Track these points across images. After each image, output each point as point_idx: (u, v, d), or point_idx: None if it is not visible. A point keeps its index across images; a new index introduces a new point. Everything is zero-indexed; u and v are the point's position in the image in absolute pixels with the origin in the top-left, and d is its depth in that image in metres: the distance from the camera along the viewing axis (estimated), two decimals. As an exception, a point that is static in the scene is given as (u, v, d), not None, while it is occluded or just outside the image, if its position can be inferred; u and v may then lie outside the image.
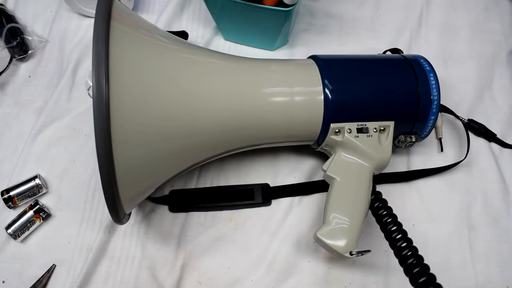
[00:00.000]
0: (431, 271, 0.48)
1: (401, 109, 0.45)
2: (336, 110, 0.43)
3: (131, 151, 0.33)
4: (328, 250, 0.44)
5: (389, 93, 0.45)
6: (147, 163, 0.36)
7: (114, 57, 0.32)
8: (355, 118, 0.44)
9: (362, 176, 0.44)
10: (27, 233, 0.48)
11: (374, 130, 0.44)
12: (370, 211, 0.44)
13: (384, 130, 0.45)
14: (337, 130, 0.44)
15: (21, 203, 0.50)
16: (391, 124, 0.45)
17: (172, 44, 0.40)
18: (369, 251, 0.42)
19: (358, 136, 0.44)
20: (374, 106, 0.44)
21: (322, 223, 0.43)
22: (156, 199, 0.51)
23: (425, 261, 0.49)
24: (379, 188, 0.51)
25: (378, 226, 0.50)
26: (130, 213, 0.43)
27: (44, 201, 0.51)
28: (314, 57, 0.47)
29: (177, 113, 0.37)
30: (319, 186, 0.52)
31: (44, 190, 0.50)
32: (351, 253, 0.42)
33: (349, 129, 0.44)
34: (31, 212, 0.48)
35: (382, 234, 0.50)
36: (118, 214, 0.36)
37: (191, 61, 0.40)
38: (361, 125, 0.44)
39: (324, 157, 0.50)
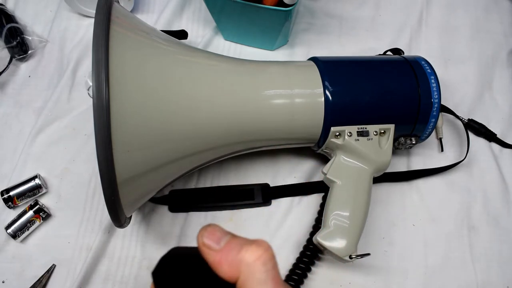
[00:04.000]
0: (431, 271, 0.49)
1: (402, 112, 0.45)
2: (336, 112, 0.43)
3: (132, 157, 0.33)
4: (328, 254, 0.44)
5: (389, 96, 0.45)
6: (148, 168, 0.36)
7: (114, 62, 0.32)
8: (355, 121, 0.44)
9: (362, 179, 0.44)
10: (27, 233, 0.48)
11: (375, 133, 0.44)
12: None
13: (384, 133, 0.45)
14: (337, 133, 0.44)
15: (21, 203, 0.50)
16: (391, 127, 0.45)
17: (171, 47, 0.40)
18: (368, 254, 0.42)
19: (358, 140, 0.44)
20: (374, 109, 0.44)
21: (322, 227, 0.43)
22: (156, 199, 0.51)
23: (425, 261, 0.49)
24: (379, 187, 0.52)
25: (377, 226, 0.50)
26: (131, 216, 0.42)
27: (44, 201, 0.51)
28: (314, 59, 0.46)
29: (177, 116, 0.37)
30: (320, 186, 0.51)
31: (44, 190, 0.50)
32: (350, 257, 0.42)
33: (350, 132, 0.44)
34: (31, 212, 0.48)
35: (381, 234, 0.50)
36: (119, 219, 0.35)
37: (191, 63, 0.40)
38: (361, 128, 0.44)
39: (324, 158, 0.50)
